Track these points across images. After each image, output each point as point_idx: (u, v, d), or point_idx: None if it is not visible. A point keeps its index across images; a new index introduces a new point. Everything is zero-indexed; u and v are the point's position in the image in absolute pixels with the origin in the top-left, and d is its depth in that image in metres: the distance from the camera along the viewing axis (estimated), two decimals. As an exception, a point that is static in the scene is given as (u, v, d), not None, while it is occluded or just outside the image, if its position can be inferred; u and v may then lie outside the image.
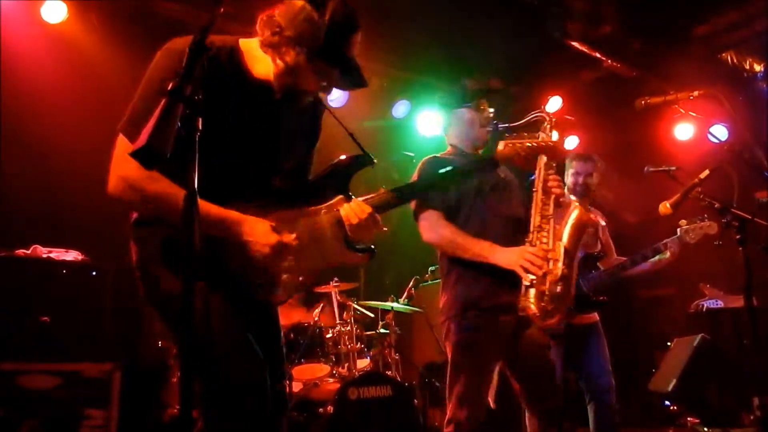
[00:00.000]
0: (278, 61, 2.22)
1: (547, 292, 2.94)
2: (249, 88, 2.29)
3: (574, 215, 3.06)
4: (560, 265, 2.96)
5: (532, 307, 2.94)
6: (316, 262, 2.32)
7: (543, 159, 3.18)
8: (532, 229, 3.07)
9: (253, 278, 2.22)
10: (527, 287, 2.97)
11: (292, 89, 2.27)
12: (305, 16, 2.19)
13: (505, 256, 3.04)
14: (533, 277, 2.95)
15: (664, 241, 4.12)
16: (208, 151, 1.76)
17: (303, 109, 2.46)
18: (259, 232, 2.16)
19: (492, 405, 3.22)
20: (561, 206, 3.12)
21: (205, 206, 2.04)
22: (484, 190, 3.28)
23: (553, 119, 3.19)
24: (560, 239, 3.02)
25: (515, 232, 3.16)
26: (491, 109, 3.42)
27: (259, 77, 2.30)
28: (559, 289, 2.93)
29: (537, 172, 3.18)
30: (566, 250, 2.98)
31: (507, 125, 3.30)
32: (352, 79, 2.37)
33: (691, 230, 4.07)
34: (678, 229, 4.09)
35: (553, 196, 3.11)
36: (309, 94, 2.36)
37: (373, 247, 2.42)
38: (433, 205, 3.26)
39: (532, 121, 3.24)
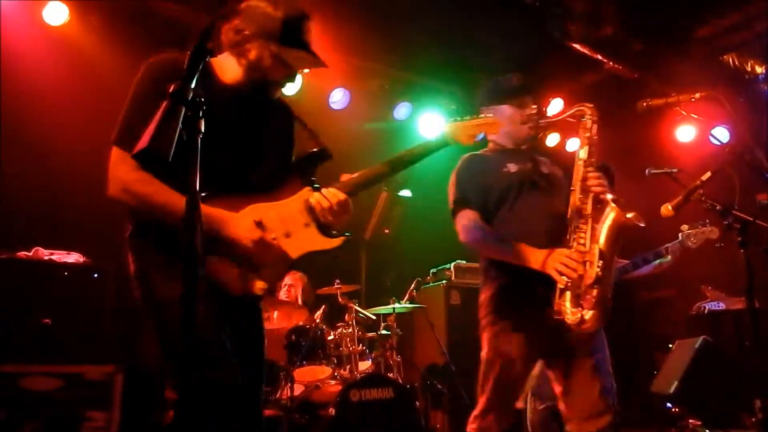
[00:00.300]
0: (243, 60, 2.42)
1: (582, 296, 2.88)
2: (222, 93, 2.43)
3: (610, 217, 2.94)
4: (595, 268, 2.88)
5: (567, 311, 2.89)
6: (291, 251, 2.40)
7: (581, 155, 3.10)
8: (569, 230, 3.01)
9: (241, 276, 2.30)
10: (562, 290, 2.92)
11: (261, 82, 2.46)
12: (261, 11, 2.39)
13: (538, 260, 2.98)
14: (568, 280, 2.89)
15: (666, 245, 4.12)
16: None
17: (275, 111, 2.64)
18: (243, 228, 2.28)
19: (521, 404, 3.18)
20: (601, 204, 3.01)
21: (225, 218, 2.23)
22: (524, 186, 3.21)
23: (595, 112, 3.14)
24: (597, 241, 2.93)
25: (559, 230, 3.07)
26: (534, 106, 3.33)
27: (230, 83, 2.47)
28: (594, 292, 2.86)
29: (575, 168, 3.10)
30: (602, 253, 2.89)
31: (548, 120, 3.23)
32: (314, 61, 2.51)
33: (693, 235, 4.06)
34: (680, 234, 4.08)
35: (591, 195, 3.02)
36: (277, 84, 2.52)
37: (347, 232, 2.53)
38: (470, 205, 3.22)
39: (575, 115, 3.18)
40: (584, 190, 3.03)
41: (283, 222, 2.40)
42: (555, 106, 6.92)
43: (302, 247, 2.43)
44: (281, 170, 2.58)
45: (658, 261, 4.12)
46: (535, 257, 3.00)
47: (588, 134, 3.13)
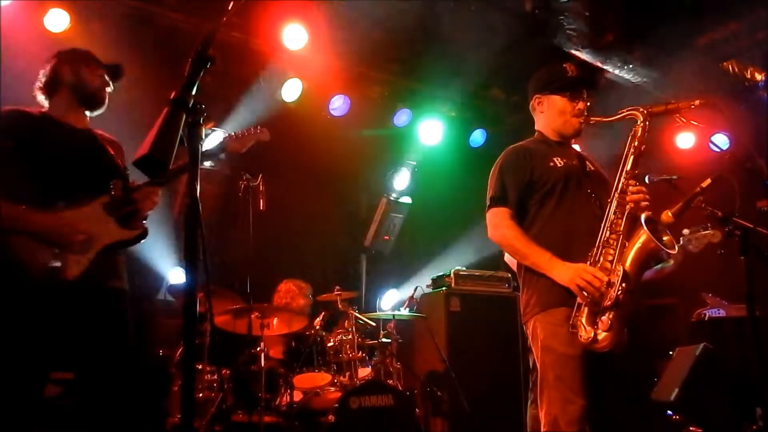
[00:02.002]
0: (64, 92, 3.24)
1: (599, 316, 2.81)
2: (64, 130, 3.19)
3: (640, 240, 2.83)
4: (616, 290, 2.79)
5: (582, 327, 2.82)
6: (98, 240, 3.01)
7: (627, 165, 2.98)
8: (598, 243, 2.91)
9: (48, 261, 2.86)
10: (580, 305, 2.86)
11: (91, 90, 3.24)
12: (61, 55, 3.32)
13: (561, 273, 2.91)
14: (587, 295, 2.82)
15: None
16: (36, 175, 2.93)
17: (84, 138, 3.26)
18: (52, 219, 2.90)
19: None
20: (636, 221, 2.90)
21: (26, 212, 2.87)
22: (570, 183, 3.11)
23: (648, 117, 3.01)
24: (624, 262, 2.83)
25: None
26: (588, 102, 3.23)
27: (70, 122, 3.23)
28: (611, 315, 2.78)
29: (617, 178, 3.00)
30: (625, 275, 2.80)
31: (598, 120, 3.13)
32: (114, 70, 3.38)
33: (694, 239, 4.05)
34: (681, 238, 4.07)
35: (628, 210, 2.92)
36: (102, 89, 3.29)
37: (145, 225, 3.19)
38: (506, 203, 3.12)
39: (627, 118, 3.06)
40: (621, 203, 2.94)
41: (89, 221, 2.99)
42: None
43: (108, 237, 3.04)
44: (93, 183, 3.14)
45: (659, 266, 4.11)
46: (558, 270, 2.93)
47: (636, 143, 3.01)
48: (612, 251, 2.89)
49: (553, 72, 3.34)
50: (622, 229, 2.91)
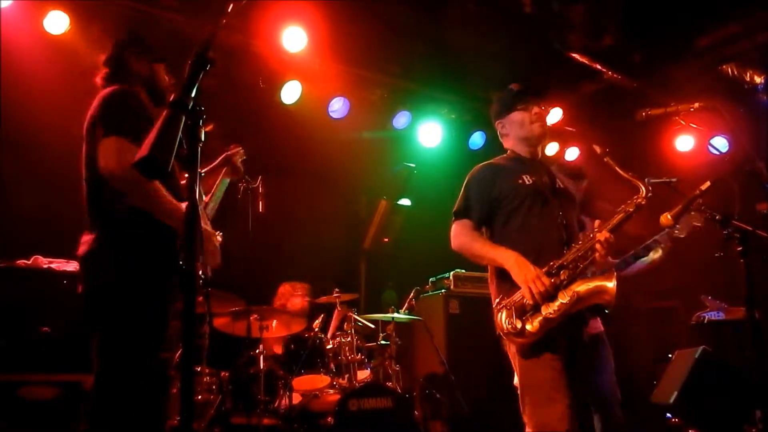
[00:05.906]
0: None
1: (526, 316, 2.94)
2: None
3: (600, 283, 2.96)
4: (550, 309, 2.92)
5: (513, 317, 2.95)
6: (216, 240, 3.08)
7: (614, 221, 3.08)
8: (561, 259, 3.01)
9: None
10: (521, 299, 2.97)
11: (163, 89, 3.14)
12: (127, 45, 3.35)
13: (518, 270, 3.00)
14: (531, 298, 2.94)
15: (654, 237, 4.13)
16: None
17: None
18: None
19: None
20: (594, 266, 3.05)
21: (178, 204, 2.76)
22: (537, 200, 3.20)
23: (648, 192, 3.14)
24: (571, 290, 2.95)
25: (569, 243, 3.11)
26: (542, 105, 3.37)
27: None
28: (537, 324, 2.91)
29: (601, 223, 3.09)
30: (572, 299, 2.92)
31: (611, 163, 3.21)
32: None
33: (679, 223, 4.05)
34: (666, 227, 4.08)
35: (590, 259, 3.01)
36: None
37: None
38: (469, 216, 3.26)
39: (632, 183, 3.17)
40: (590, 250, 3.01)
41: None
42: (554, 115, 6.95)
43: (216, 241, 3.07)
44: None
45: (650, 255, 4.13)
46: (516, 266, 3.01)
47: (631, 209, 3.11)
48: (567, 275, 2.98)
49: (502, 97, 3.49)
50: (581, 267, 3.00)
